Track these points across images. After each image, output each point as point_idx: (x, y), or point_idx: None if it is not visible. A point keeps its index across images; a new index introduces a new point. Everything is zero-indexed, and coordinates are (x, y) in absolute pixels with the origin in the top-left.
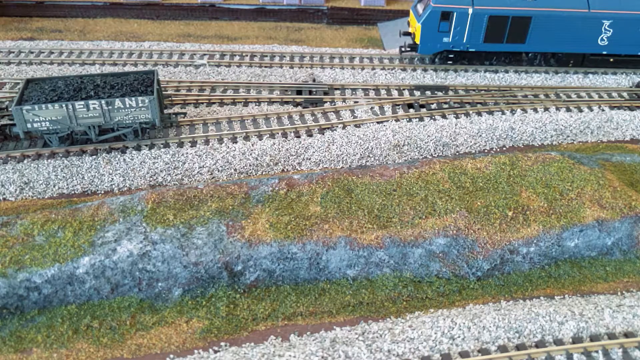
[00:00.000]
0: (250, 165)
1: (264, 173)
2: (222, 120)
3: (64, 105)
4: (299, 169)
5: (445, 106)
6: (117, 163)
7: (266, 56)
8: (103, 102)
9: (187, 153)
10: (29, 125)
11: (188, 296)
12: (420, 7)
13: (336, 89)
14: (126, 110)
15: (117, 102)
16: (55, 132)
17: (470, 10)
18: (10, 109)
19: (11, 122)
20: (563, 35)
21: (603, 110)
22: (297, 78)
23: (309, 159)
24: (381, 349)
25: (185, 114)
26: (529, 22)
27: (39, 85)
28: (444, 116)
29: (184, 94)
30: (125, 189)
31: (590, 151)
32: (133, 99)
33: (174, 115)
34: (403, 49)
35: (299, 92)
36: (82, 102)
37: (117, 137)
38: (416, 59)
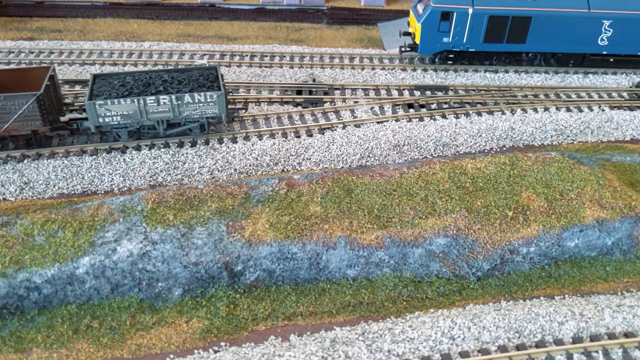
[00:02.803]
0: (250, 165)
1: (264, 173)
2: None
3: (135, 100)
4: (299, 169)
5: (445, 106)
6: (117, 163)
7: (266, 56)
8: (173, 97)
9: (187, 153)
10: (100, 120)
11: (188, 296)
12: (420, 7)
13: (336, 89)
14: (194, 105)
15: (187, 97)
16: (125, 127)
17: (470, 10)
18: (83, 104)
19: (81, 117)
20: (563, 35)
21: (603, 110)
22: (297, 78)
23: (309, 159)
24: (381, 349)
25: (245, 109)
26: (529, 22)
27: (107, 81)
28: (444, 116)
29: None
30: (125, 189)
31: (590, 151)
32: (202, 94)
33: (237, 110)
34: (403, 49)
35: (299, 92)
36: (153, 97)
37: (183, 131)
38: (416, 59)
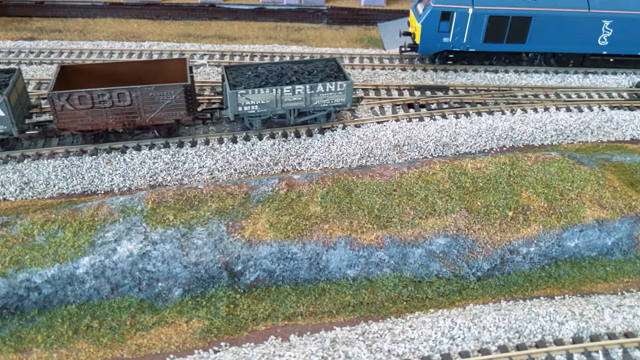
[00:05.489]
0: (250, 165)
1: (264, 173)
2: (222, 120)
3: (273, 90)
4: (299, 169)
5: (445, 106)
6: (117, 163)
7: (266, 56)
8: (307, 86)
9: (187, 153)
10: (239, 109)
11: (188, 296)
12: (420, 7)
13: None
14: (325, 94)
15: (319, 87)
16: (259, 115)
17: (470, 10)
18: (228, 93)
19: (215, 107)
20: (563, 35)
21: (603, 110)
22: None
23: (309, 159)
24: (381, 349)
25: (362, 97)
26: (529, 22)
27: (239, 72)
28: (444, 116)
29: None
30: (125, 189)
31: (591, 151)
32: (333, 83)
33: (359, 100)
34: (403, 49)
35: None
36: (290, 87)
37: (310, 120)
38: (416, 59)
